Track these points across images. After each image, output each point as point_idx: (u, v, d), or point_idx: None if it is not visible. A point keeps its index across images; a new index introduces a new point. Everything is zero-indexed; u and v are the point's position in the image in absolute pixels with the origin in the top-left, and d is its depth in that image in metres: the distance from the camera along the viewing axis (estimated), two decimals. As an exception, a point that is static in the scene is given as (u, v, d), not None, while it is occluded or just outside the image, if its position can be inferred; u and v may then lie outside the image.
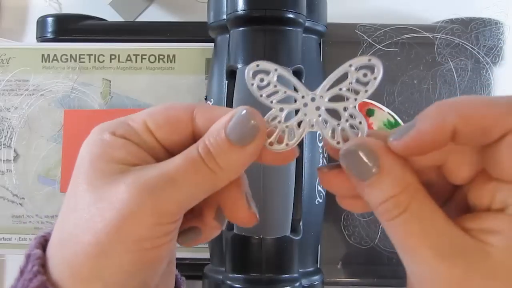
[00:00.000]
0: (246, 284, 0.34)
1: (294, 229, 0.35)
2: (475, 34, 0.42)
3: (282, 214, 0.34)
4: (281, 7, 0.34)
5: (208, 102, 0.37)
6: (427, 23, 0.44)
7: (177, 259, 0.40)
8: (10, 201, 0.42)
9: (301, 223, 0.35)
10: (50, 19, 0.43)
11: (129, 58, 0.42)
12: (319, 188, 0.36)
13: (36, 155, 0.42)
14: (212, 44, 0.39)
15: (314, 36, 0.38)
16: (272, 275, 0.34)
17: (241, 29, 0.35)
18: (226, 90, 0.35)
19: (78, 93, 0.42)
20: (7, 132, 0.42)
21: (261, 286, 0.34)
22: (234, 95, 0.34)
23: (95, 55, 0.42)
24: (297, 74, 0.35)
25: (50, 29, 0.43)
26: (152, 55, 0.42)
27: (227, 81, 0.35)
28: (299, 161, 0.34)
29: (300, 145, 0.34)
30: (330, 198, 0.38)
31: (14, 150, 0.42)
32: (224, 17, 0.36)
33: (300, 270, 0.35)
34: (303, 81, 0.35)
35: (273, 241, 0.34)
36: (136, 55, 0.42)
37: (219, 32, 0.37)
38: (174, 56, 0.42)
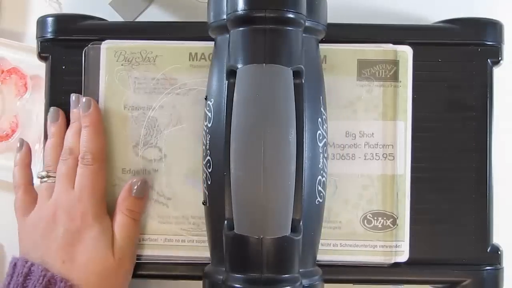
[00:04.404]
0: (246, 284, 0.34)
1: (294, 229, 0.35)
2: (474, 34, 0.42)
3: (282, 214, 0.34)
4: (281, 7, 0.35)
5: (208, 102, 0.37)
6: (425, 23, 0.45)
7: (178, 258, 0.40)
8: (157, 201, 0.42)
9: (301, 223, 0.35)
10: (50, 19, 0.43)
11: None
12: (319, 188, 0.36)
13: (183, 155, 0.41)
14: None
15: (314, 36, 0.38)
16: (273, 275, 0.34)
17: (241, 29, 0.35)
18: (226, 90, 0.35)
19: None
20: (154, 132, 0.41)
21: (262, 286, 0.34)
22: (234, 95, 0.34)
23: None
24: (297, 74, 0.35)
25: (50, 29, 0.43)
26: None
27: (227, 81, 0.35)
28: (299, 161, 0.34)
29: (300, 144, 0.34)
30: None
31: (161, 150, 0.41)
32: (224, 17, 0.36)
33: (301, 270, 0.35)
34: (303, 81, 0.35)
35: (273, 240, 0.34)
36: None
37: (219, 32, 0.37)
38: (325, 56, 0.41)
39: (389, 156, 0.41)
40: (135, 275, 0.41)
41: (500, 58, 0.42)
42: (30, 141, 0.45)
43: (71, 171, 0.40)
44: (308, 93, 0.36)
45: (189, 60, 0.42)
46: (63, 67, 0.43)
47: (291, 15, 0.35)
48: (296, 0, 0.35)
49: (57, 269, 0.38)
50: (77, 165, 0.40)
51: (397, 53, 0.41)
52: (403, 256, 0.41)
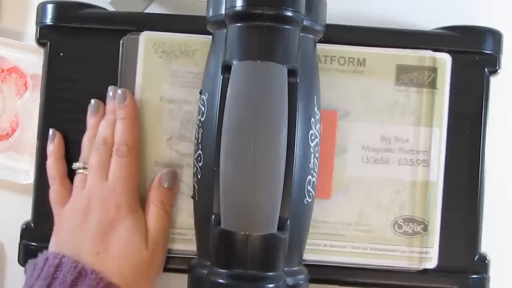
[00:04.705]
0: (230, 279, 0.34)
1: (281, 227, 0.35)
2: (473, 42, 0.42)
3: (269, 211, 0.34)
4: (279, 5, 0.35)
5: (203, 96, 0.37)
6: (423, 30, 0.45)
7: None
8: (188, 196, 0.42)
9: (288, 222, 0.35)
10: (50, 6, 0.43)
11: (318, 59, 0.41)
12: (309, 187, 0.36)
13: None
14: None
15: (311, 36, 0.38)
16: (257, 271, 0.34)
17: (238, 25, 0.35)
18: (220, 85, 0.35)
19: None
20: (189, 126, 0.42)
21: (246, 282, 0.35)
22: (228, 90, 0.34)
23: None
24: (292, 73, 0.35)
25: (50, 15, 0.43)
26: (342, 57, 0.41)
27: (221, 77, 0.35)
28: (290, 160, 0.34)
29: (291, 143, 0.34)
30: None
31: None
32: (223, 12, 0.36)
33: (286, 269, 0.35)
34: (298, 81, 0.35)
35: (259, 238, 0.34)
36: (325, 56, 0.41)
37: (217, 27, 0.37)
38: (364, 60, 0.41)
39: (423, 162, 0.41)
40: (164, 269, 0.41)
41: (497, 68, 0.42)
42: (30, 140, 0.46)
43: (104, 162, 0.40)
44: (302, 92, 0.36)
45: None
46: (61, 54, 0.43)
47: (289, 13, 0.35)
48: (295, -2, 0.35)
49: (90, 261, 0.37)
50: (110, 156, 0.40)
51: (436, 60, 0.41)
52: (432, 262, 0.41)
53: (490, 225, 0.43)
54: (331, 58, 0.41)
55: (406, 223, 0.41)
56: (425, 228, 0.41)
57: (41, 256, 0.39)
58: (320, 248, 0.41)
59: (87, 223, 0.39)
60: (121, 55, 0.42)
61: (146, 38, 0.42)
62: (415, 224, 0.41)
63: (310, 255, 0.41)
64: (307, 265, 0.39)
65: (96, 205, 0.39)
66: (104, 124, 0.41)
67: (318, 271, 0.41)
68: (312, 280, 0.39)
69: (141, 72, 0.42)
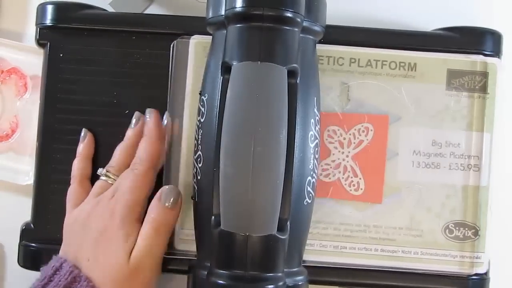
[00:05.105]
0: (230, 280, 0.34)
1: (280, 228, 0.34)
2: (472, 43, 0.42)
3: (269, 212, 0.34)
4: (279, 6, 0.34)
5: (202, 97, 0.37)
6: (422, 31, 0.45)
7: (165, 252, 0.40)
8: None
9: (288, 223, 0.35)
10: (50, 6, 0.43)
11: (369, 63, 0.41)
12: (309, 188, 0.36)
13: None
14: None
15: (311, 37, 0.38)
16: (257, 272, 0.34)
17: (238, 25, 0.35)
18: (220, 86, 0.35)
19: None
20: None
21: (245, 283, 0.34)
22: (228, 91, 0.34)
23: (334, 57, 0.42)
24: (292, 74, 0.35)
25: (49, 16, 0.43)
26: (393, 61, 0.41)
27: (221, 77, 0.35)
28: (289, 161, 0.34)
29: (291, 144, 0.34)
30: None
31: None
32: (223, 13, 0.36)
33: (285, 270, 0.35)
34: (297, 82, 0.35)
35: (259, 238, 0.34)
36: (376, 61, 0.41)
37: (217, 28, 0.37)
38: (415, 64, 0.41)
39: (474, 167, 0.41)
40: (164, 270, 0.41)
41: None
42: (30, 141, 0.46)
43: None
44: (302, 93, 0.36)
45: None
46: (61, 54, 0.43)
47: (288, 14, 0.35)
48: (295, -1, 0.35)
49: (84, 267, 0.38)
50: (144, 177, 0.40)
51: (487, 65, 0.42)
52: (483, 267, 0.41)
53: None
54: (382, 62, 0.42)
55: (457, 228, 0.41)
56: (476, 233, 0.41)
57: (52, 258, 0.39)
58: (371, 253, 0.41)
59: (87, 228, 0.39)
60: (172, 59, 0.42)
61: (196, 42, 0.42)
62: (466, 229, 0.41)
63: (361, 259, 0.41)
64: (357, 270, 0.40)
65: (98, 211, 0.39)
66: (141, 146, 0.42)
67: (370, 276, 0.41)
68: (361, 285, 0.40)
69: (192, 76, 0.42)
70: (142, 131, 0.42)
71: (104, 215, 0.38)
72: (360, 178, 0.41)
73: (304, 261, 0.40)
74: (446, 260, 0.41)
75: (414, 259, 0.41)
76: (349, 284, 0.42)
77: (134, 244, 0.38)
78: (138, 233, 0.38)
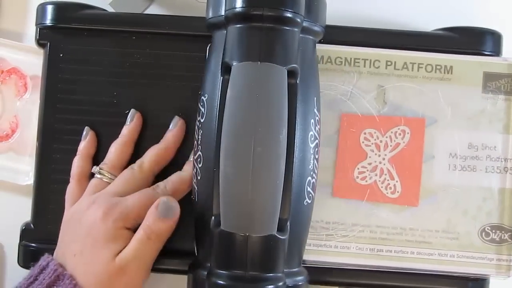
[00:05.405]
0: (230, 280, 0.34)
1: (281, 228, 0.35)
2: (472, 43, 0.42)
3: (269, 212, 0.34)
4: (279, 6, 0.34)
5: (202, 97, 0.37)
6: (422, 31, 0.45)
7: (165, 251, 0.40)
8: None
9: (288, 223, 0.35)
10: (50, 7, 0.43)
11: (405, 66, 0.41)
12: (309, 188, 0.36)
13: None
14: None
15: (311, 37, 0.38)
16: (257, 273, 0.34)
17: (238, 26, 0.35)
18: (220, 86, 0.35)
19: (353, 97, 0.41)
20: None
21: (245, 283, 0.34)
22: (228, 91, 0.34)
23: (370, 60, 0.42)
24: (292, 74, 0.35)
25: (49, 16, 0.43)
26: (429, 64, 0.41)
27: (221, 78, 0.35)
28: (289, 161, 0.34)
29: (291, 144, 0.34)
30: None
31: None
32: (222, 13, 0.36)
33: (285, 270, 0.35)
34: (297, 82, 0.35)
35: (258, 239, 0.34)
36: (412, 63, 0.41)
37: (217, 28, 0.37)
38: (451, 67, 0.41)
39: (510, 170, 0.41)
40: (164, 270, 0.41)
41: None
42: (30, 141, 0.46)
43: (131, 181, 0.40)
44: (302, 93, 0.36)
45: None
46: (61, 55, 0.43)
47: (288, 15, 0.35)
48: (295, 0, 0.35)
49: (69, 263, 0.38)
50: (141, 179, 0.40)
51: None
52: None
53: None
54: (418, 65, 0.42)
55: (493, 231, 0.41)
56: None
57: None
58: (407, 256, 0.41)
59: (78, 226, 0.39)
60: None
61: None
62: (503, 232, 0.41)
63: (398, 262, 0.41)
64: (394, 273, 0.41)
65: (92, 210, 0.39)
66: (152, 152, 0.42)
67: (406, 279, 0.42)
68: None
69: None
70: (137, 129, 0.42)
71: (97, 214, 0.38)
72: (396, 181, 0.41)
73: (341, 264, 0.41)
74: (483, 263, 0.41)
75: (450, 262, 0.41)
76: (386, 287, 0.42)
77: (123, 248, 0.38)
78: (129, 238, 0.38)
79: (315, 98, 0.37)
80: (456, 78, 0.42)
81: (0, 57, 0.47)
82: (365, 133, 0.41)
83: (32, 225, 0.43)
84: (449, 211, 0.41)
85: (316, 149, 0.37)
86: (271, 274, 0.35)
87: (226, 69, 0.35)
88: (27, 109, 0.47)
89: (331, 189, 0.41)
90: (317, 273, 0.41)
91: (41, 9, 0.44)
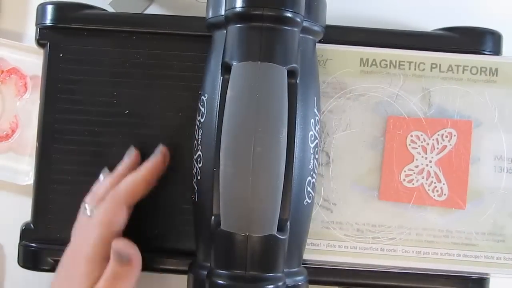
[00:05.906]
0: (230, 280, 0.34)
1: (281, 228, 0.35)
2: (472, 43, 0.42)
3: (269, 212, 0.34)
4: (279, 6, 0.34)
5: (202, 97, 0.37)
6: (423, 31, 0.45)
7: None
8: (321, 206, 0.41)
9: (288, 223, 0.35)
10: (50, 7, 0.43)
11: (450, 68, 0.41)
12: (309, 188, 0.36)
13: (351, 161, 0.41)
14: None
15: (311, 37, 0.38)
16: (257, 273, 0.34)
17: (238, 26, 0.35)
18: (220, 86, 0.35)
19: (400, 100, 0.41)
20: (322, 135, 0.41)
21: (245, 283, 0.34)
22: (228, 91, 0.34)
23: (415, 63, 0.41)
24: (292, 74, 0.35)
25: (49, 16, 0.43)
26: (474, 67, 0.41)
27: (221, 77, 0.35)
28: (289, 160, 0.34)
29: (291, 144, 0.34)
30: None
31: (328, 155, 0.41)
32: (222, 13, 0.36)
33: (285, 270, 0.35)
34: (297, 81, 0.35)
35: (259, 239, 0.34)
36: (457, 66, 0.41)
37: (217, 28, 0.37)
38: (496, 69, 0.41)
39: None
40: (164, 270, 0.41)
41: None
42: (30, 141, 0.46)
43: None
44: (302, 93, 0.36)
45: (360, 65, 0.42)
46: (61, 55, 0.43)
47: (288, 15, 0.35)
48: (295, -1, 0.35)
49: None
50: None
51: None
52: None
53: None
54: (463, 67, 0.41)
55: None
56: None
57: None
58: (453, 258, 0.41)
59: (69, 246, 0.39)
60: None
61: None
62: None
63: (444, 265, 0.41)
64: (434, 275, 0.41)
65: (75, 238, 0.39)
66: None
67: (452, 282, 0.42)
68: None
69: None
70: (132, 168, 0.41)
71: (77, 244, 0.38)
72: (443, 184, 0.41)
73: (386, 267, 0.41)
74: None
75: (498, 265, 0.41)
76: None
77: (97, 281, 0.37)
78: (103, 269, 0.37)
79: (315, 98, 0.37)
80: (501, 80, 0.41)
81: (0, 57, 0.47)
82: (411, 136, 0.41)
83: (32, 225, 0.43)
84: (496, 213, 0.41)
85: (316, 149, 0.37)
86: (271, 274, 0.35)
87: (226, 69, 0.35)
88: (27, 109, 0.47)
89: (377, 192, 0.41)
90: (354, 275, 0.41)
91: (41, 9, 0.44)
